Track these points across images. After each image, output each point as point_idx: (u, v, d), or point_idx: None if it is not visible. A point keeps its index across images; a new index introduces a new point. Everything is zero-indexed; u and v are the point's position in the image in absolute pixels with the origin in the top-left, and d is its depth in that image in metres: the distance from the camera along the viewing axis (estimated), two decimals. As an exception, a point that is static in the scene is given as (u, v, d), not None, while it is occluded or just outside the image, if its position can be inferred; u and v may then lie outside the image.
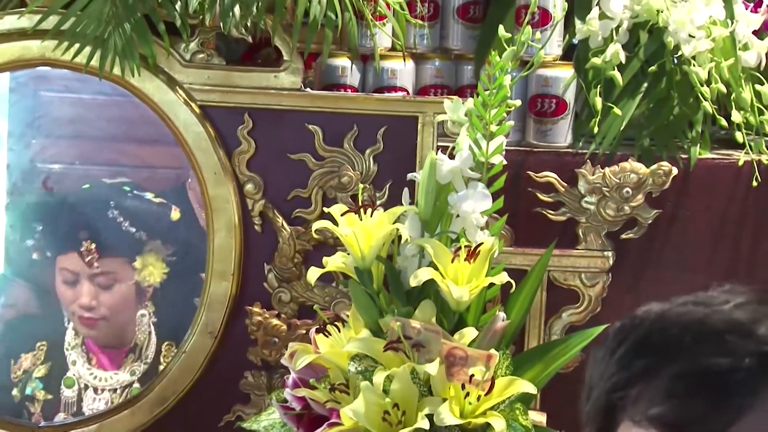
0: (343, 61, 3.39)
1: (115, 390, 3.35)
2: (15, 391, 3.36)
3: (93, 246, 3.35)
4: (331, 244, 3.11)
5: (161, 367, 3.35)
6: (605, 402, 1.65)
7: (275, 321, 3.26)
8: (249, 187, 3.25)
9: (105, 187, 3.39)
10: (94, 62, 3.09)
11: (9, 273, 3.43)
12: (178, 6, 3.12)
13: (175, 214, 3.37)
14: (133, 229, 3.35)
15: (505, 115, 2.95)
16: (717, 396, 1.56)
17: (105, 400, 3.35)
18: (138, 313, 3.37)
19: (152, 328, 3.36)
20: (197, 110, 3.22)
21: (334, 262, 2.98)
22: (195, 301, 3.30)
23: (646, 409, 1.59)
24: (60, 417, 3.33)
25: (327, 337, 2.93)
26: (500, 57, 2.95)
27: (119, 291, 3.38)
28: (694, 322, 1.62)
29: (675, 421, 1.57)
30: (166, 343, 3.36)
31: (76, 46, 3.10)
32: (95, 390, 3.36)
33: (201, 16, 3.15)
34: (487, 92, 2.95)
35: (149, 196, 3.37)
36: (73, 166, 3.41)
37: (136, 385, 3.35)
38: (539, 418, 3.05)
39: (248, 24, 3.14)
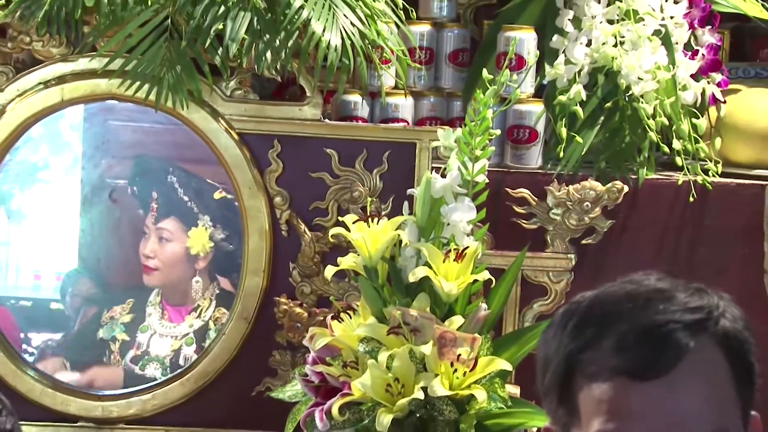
0: (355, 97, 3.37)
1: (174, 336, 3.33)
2: (101, 332, 3.34)
3: (155, 205, 3.33)
4: (345, 247, 3.09)
5: (212, 323, 3.32)
6: (564, 369, 1.64)
7: (298, 309, 3.24)
8: (278, 199, 3.22)
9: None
10: (151, 97, 3.07)
11: (79, 268, 3.41)
12: (220, 51, 3.09)
13: (218, 194, 3.34)
14: (186, 198, 3.34)
15: (487, 142, 2.95)
16: (660, 343, 1.58)
17: (166, 343, 3.33)
18: (193, 279, 3.34)
19: (213, 297, 3.34)
20: (235, 136, 3.20)
21: (346, 262, 2.97)
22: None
23: (603, 364, 1.59)
24: (131, 353, 3.32)
25: (340, 322, 2.93)
26: (483, 95, 2.94)
27: (172, 250, 3.34)
28: (627, 294, 1.64)
29: (630, 367, 1.58)
30: (221, 309, 3.33)
31: (137, 83, 3.07)
32: (161, 336, 3.34)
33: (239, 60, 3.14)
34: (473, 123, 2.94)
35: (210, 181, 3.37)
36: (165, 161, 3.38)
37: (191, 335, 3.32)
38: (514, 390, 3.04)
39: (278, 66, 3.12)
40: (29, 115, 3.20)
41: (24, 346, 3.35)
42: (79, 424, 3.26)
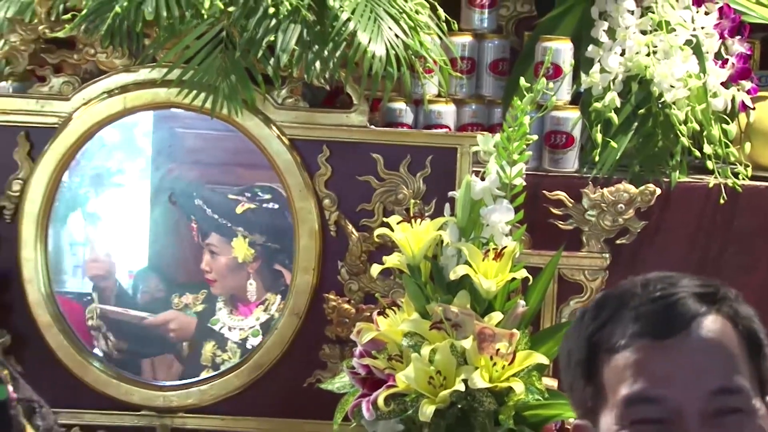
0: (400, 105, 3.36)
1: (242, 329, 3.33)
2: None
3: (194, 225, 3.34)
4: (390, 246, 3.06)
5: (276, 314, 3.31)
6: (587, 351, 1.67)
7: (346, 305, 3.23)
8: (326, 201, 3.22)
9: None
10: (208, 104, 3.09)
11: (149, 267, 3.42)
12: (271, 61, 3.10)
13: (240, 208, 3.33)
14: (216, 216, 3.33)
15: (524, 146, 2.95)
16: (671, 311, 1.63)
17: (234, 336, 3.32)
18: (247, 282, 3.34)
19: (279, 292, 3.33)
20: (287, 142, 3.20)
21: (391, 260, 2.97)
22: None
23: (623, 333, 1.64)
24: (166, 383, 3.33)
25: (386, 318, 2.93)
26: (521, 102, 2.94)
27: (223, 262, 3.34)
28: (636, 283, 1.69)
29: (648, 330, 1.62)
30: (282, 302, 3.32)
31: (194, 92, 3.09)
32: (230, 329, 3.33)
33: (289, 69, 3.14)
34: (511, 129, 2.94)
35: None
36: (191, 184, 3.38)
37: (257, 327, 3.31)
38: (551, 383, 3.01)
39: (326, 75, 3.13)
40: (94, 122, 3.22)
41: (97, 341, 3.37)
42: (141, 412, 3.28)
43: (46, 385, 3.21)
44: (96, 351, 3.34)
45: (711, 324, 1.63)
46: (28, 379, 3.21)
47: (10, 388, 2.50)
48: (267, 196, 3.33)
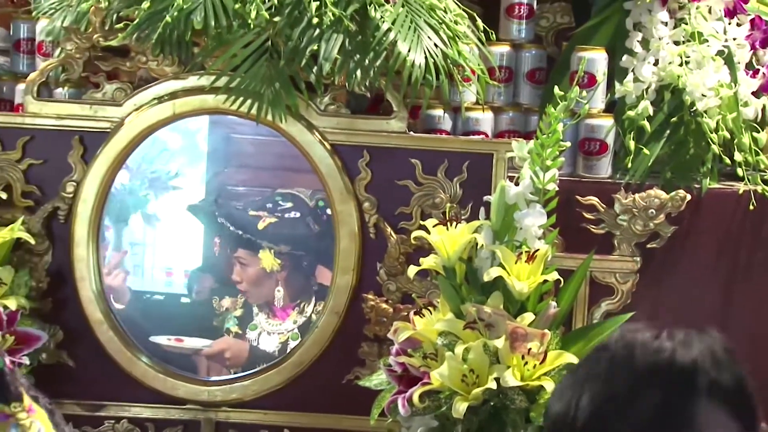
0: (438, 112, 3.39)
1: (281, 333, 3.36)
2: (215, 321, 3.39)
3: (218, 240, 3.39)
4: (427, 249, 3.08)
5: (313, 316, 3.35)
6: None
7: (384, 305, 3.26)
8: (366, 205, 3.25)
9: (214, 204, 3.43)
10: (253, 111, 3.12)
11: (203, 266, 3.47)
12: (315, 69, 3.14)
13: (261, 224, 3.37)
14: (240, 232, 3.37)
15: (557, 153, 2.96)
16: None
17: (274, 340, 3.37)
18: (275, 290, 3.38)
19: (313, 294, 3.38)
20: (329, 147, 3.24)
21: (428, 262, 2.99)
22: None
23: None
24: (211, 378, 3.37)
25: (422, 317, 2.95)
26: (555, 110, 2.96)
27: (252, 273, 3.38)
28: (611, 362, 1.59)
29: None
30: (321, 303, 3.34)
31: (241, 99, 3.13)
32: (269, 333, 3.37)
33: (332, 77, 3.18)
34: (545, 136, 2.96)
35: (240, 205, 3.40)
36: (236, 187, 3.43)
37: (296, 330, 3.36)
38: None
39: (367, 83, 3.17)
40: (144, 127, 3.27)
41: (153, 337, 3.41)
42: (186, 406, 3.32)
43: (96, 379, 3.31)
44: (156, 347, 3.39)
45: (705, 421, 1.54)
46: (79, 372, 3.31)
47: (7, 359, 2.57)
48: (288, 204, 3.36)
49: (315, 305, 3.37)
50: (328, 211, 3.32)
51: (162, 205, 3.43)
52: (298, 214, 3.36)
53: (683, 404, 1.53)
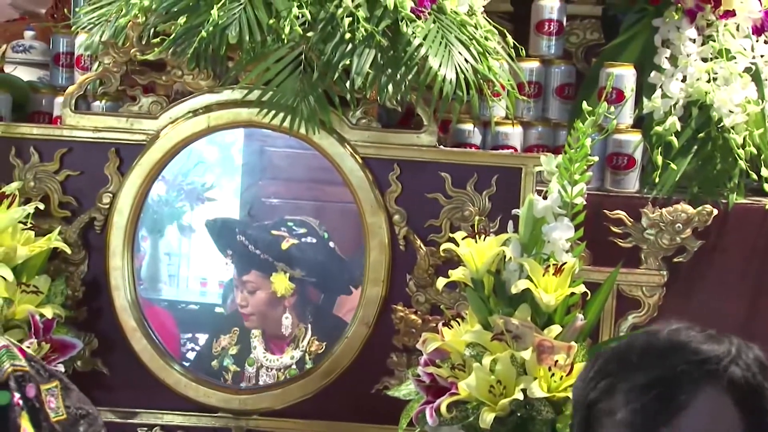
0: (468, 126, 3.40)
1: (279, 369, 3.35)
2: (214, 362, 3.37)
3: (230, 261, 3.38)
4: (456, 261, 3.08)
5: (307, 356, 3.35)
6: (582, 416, 1.65)
7: (413, 316, 3.26)
8: (396, 217, 3.26)
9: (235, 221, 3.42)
10: (286, 124, 3.14)
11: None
12: (347, 84, 3.15)
13: (285, 244, 3.36)
14: (258, 252, 3.37)
15: (585, 167, 2.97)
16: (663, 397, 1.59)
17: (272, 376, 3.35)
18: (283, 317, 3.37)
19: (309, 326, 3.36)
20: (360, 160, 3.25)
21: (456, 274, 3.00)
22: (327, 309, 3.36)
23: (612, 416, 1.60)
24: (242, 385, 3.36)
25: (450, 329, 2.96)
26: (583, 125, 2.97)
27: (260, 297, 3.37)
28: (642, 346, 1.65)
29: (634, 421, 1.58)
30: (315, 341, 3.34)
31: (274, 112, 3.15)
32: (267, 369, 3.36)
33: (364, 92, 3.19)
34: (573, 150, 2.97)
35: (302, 231, 3.38)
36: (269, 199, 3.44)
37: (294, 367, 3.35)
38: None
39: (398, 98, 3.17)
40: (180, 139, 3.29)
41: (190, 345, 3.42)
42: (218, 414, 3.33)
43: (130, 386, 3.32)
44: (190, 354, 3.40)
45: (701, 413, 1.57)
46: (113, 379, 3.32)
47: (17, 395, 2.60)
48: (302, 230, 3.36)
49: (310, 338, 3.36)
50: (331, 244, 3.33)
51: (197, 217, 3.44)
52: (314, 240, 3.36)
53: (694, 385, 1.57)
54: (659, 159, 3.30)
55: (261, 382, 3.37)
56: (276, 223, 3.39)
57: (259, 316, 3.38)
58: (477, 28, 3.25)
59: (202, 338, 3.45)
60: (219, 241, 3.41)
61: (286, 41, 3.14)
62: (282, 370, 3.37)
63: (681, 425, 1.56)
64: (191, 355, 3.43)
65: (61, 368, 3.15)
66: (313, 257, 3.37)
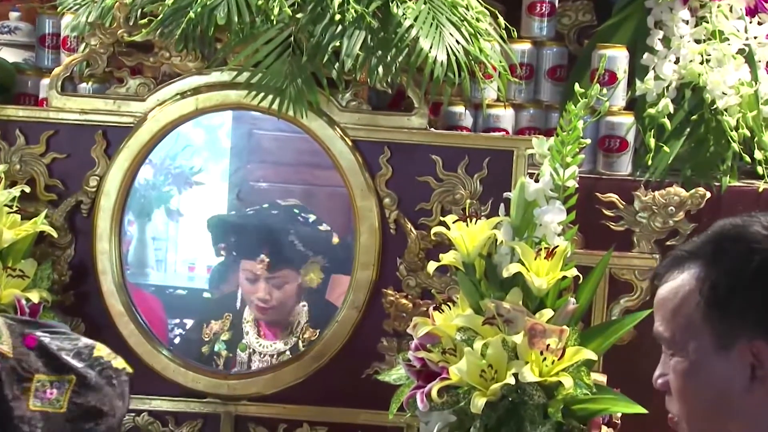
0: (459, 108, 3.39)
1: (272, 355, 3.35)
2: (205, 348, 3.37)
3: (267, 260, 3.35)
4: (447, 244, 3.05)
5: (300, 342, 3.35)
6: None
7: (404, 300, 3.25)
8: (387, 200, 3.25)
9: (282, 210, 3.39)
10: (275, 106, 3.12)
11: (224, 262, 3.47)
12: (337, 66, 3.13)
13: (336, 239, 3.38)
14: (302, 247, 3.37)
15: (577, 150, 2.95)
16: (662, 264, 2.04)
17: (265, 362, 3.35)
18: (299, 304, 3.38)
19: (304, 312, 3.37)
20: (350, 143, 3.23)
21: (447, 258, 2.98)
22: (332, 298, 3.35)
23: None
24: (234, 371, 3.36)
25: (441, 313, 2.94)
26: (575, 107, 2.95)
27: (287, 290, 3.37)
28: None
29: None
30: (309, 328, 3.35)
31: (263, 94, 3.13)
32: (260, 354, 3.37)
33: (353, 74, 3.17)
34: (565, 133, 2.95)
35: (312, 218, 3.39)
36: (258, 183, 3.43)
37: (287, 352, 3.36)
38: (601, 378, 3.02)
39: (389, 80, 3.16)
40: (167, 122, 3.26)
41: (177, 330, 3.42)
42: (207, 399, 3.31)
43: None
44: (177, 339, 3.40)
45: (671, 283, 1.94)
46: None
47: None
48: (313, 217, 3.37)
49: (304, 324, 3.35)
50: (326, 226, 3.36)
51: (185, 201, 3.43)
52: (328, 227, 3.37)
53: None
54: (652, 141, 3.31)
55: (253, 368, 3.36)
56: (283, 213, 3.38)
57: (279, 308, 3.38)
58: (468, 9, 3.22)
59: (190, 323, 3.44)
60: (249, 242, 3.39)
61: (275, 22, 3.12)
62: (275, 356, 3.36)
63: (661, 284, 2.01)
64: (178, 341, 3.42)
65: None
66: (329, 243, 3.37)
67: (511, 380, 2.78)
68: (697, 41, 3.37)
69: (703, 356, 1.91)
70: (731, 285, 1.90)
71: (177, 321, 3.44)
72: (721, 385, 1.90)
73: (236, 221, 3.41)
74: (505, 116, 3.42)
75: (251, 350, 3.37)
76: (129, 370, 2.79)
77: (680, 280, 1.93)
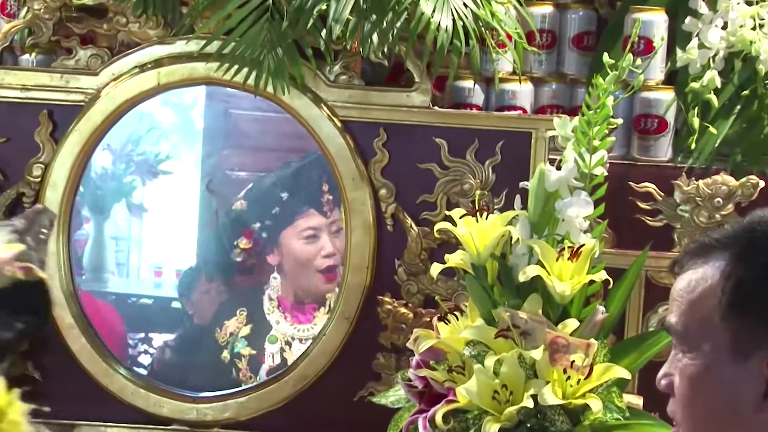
0: (468, 83, 3.42)
1: (311, 339, 3.36)
2: (225, 353, 3.40)
3: (330, 197, 3.39)
4: (454, 243, 3.05)
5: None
6: None
7: (403, 309, 3.26)
8: (383, 192, 3.26)
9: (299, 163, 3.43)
10: (251, 81, 3.13)
11: (198, 265, 3.48)
12: (323, 33, 3.14)
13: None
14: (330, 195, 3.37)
15: (606, 131, 2.96)
16: (685, 253, 2.00)
17: (303, 347, 3.37)
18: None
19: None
20: (339, 124, 3.24)
21: (454, 259, 2.98)
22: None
23: None
24: (264, 368, 3.37)
25: (447, 324, 2.94)
26: (604, 81, 2.94)
27: (342, 236, 3.36)
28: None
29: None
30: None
31: (236, 67, 3.13)
32: (300, 340, 3.39)
33: (343, 42, 3.18)
34: (592, 111, 2.95)
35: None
36: (233, 172, 3.45)
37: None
38: (636, 400, 3.02)
39: (385, 50, 3.17)
40: (124, 99, 3.29)
41: (143, 346, 3.45)
42: (172, 427, 3.34)
43: (67, 394, 3.31)
44: (143, 358, 3.44)
45: (692, 274, 1.94)
46: (47, 386, 3.30)
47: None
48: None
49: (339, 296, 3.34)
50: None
51: (150, 193, 3.44)
52: None
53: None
54: (696, 121, 3.31)
55: (292, 359, 3.36)
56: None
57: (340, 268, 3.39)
58: (478, -34, 3.25)
59: (158, 338, 3.46)
60: (298, 197, 3.42)
61: (250, -18, 3.14)
62: (316, 339, 3.35)
63: (680, 275, 1.99)
64: (145, 359, 3.44)
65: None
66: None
67: (529, 403, 2.77)
68: (749, 3, 3.37)
69: (715, 361, 1.91)
70: (758, 286, 1.88)
71: (141, 335, 3.47)
72: (729, 397, 1.90)
73: (284, 177, 3.42)
74: (523, 92, 3.43)
75: (285, 340, 3.39)
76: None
77: (702, 272, 1.93)
